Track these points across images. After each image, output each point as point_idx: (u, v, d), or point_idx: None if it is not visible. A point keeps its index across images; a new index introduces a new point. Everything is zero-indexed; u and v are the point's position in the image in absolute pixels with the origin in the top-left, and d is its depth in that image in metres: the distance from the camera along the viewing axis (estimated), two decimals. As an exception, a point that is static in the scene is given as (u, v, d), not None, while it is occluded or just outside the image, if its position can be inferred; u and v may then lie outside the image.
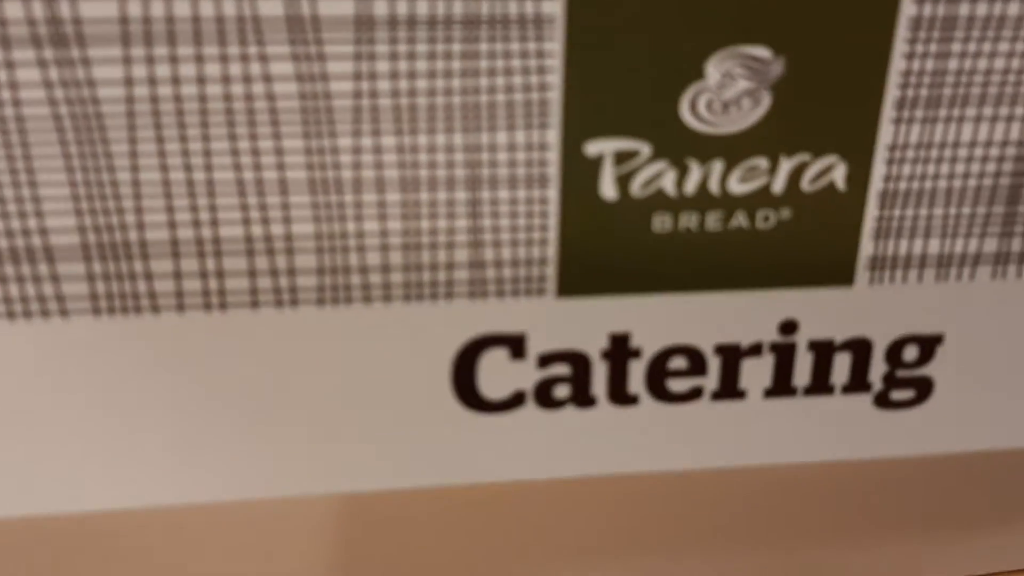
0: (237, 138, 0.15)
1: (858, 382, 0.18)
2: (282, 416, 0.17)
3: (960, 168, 0.16)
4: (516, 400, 0.17)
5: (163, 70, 0.14)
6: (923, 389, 0.18)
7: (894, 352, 0.18)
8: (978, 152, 0.16)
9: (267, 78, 0.15)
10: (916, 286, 0.17)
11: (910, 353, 0.18)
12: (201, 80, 0.15)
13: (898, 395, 0.18)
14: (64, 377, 0.16)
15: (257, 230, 0.16)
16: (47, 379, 0.16)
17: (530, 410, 0.18)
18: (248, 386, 0.17)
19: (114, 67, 0.14)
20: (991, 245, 0.17)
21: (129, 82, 0.14)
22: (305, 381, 0.17)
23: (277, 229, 0.16)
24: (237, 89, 0.15)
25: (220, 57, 0.14)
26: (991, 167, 0.16)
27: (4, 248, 0.15)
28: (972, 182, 0.16)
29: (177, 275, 0.16)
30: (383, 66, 0.15)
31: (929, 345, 0.18)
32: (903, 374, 0.18)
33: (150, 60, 0.14)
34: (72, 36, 0.14)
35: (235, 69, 0.15)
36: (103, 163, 0.15)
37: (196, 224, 0.15)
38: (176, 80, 0.14)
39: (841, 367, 0.18)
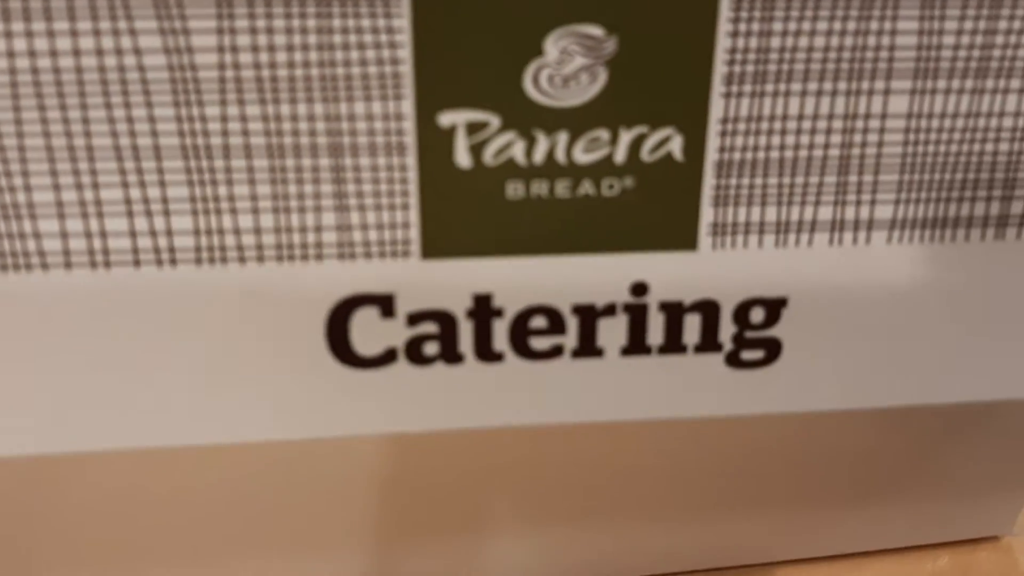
0: (112, 107, 0.16)
1: (709, 342, 0.19)
2: (163, 370, 0.18)
3: (791, 140, 0.18)
4: (388, 356, 0.19)
5: (41, 43, 0.16)
6: (772, 350, 0.19)
7: (741, 314, 0.19)
8: (806, 125, 0.18)
9: (137, 51, 0.16)
10: (757, 251, 0.18)
11: (757, 315, 0.19)
12: (77, 53, 0.16)
13: (748, 355, 0.19)
14: (-41, 329, 0.18)
15: (135, 193, 0.17)
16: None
17: (402, 366, 0.19)
18: (131, 341, 0.18)
19: (-4, 40, 0.16)
20: (826, 213, 0.18)
21: (11, 55, 0.16)
22: (186, 338, 0.18)
23: (154, 192, 0.17)
24: (110, 61, 0.16)
25: (93, 32, 0.16)
26: (820, 139, 0.18)
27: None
28: (803, 153, 0.18)
29: (64, 235, 0.17)
30: (244, 40, 0.16)
31: (774, 308, 0.19)
32: (752, 335, 0.19)
33: (29, 34, 0.16)
34: (-43, 12, 0.15)
35: (107, 43, 0.16)
36: (-10, 129, 0.16)
37: (79, 187, 0.17)
38: (54, 53, 0.16)
39: (692, 328, 0.19)
